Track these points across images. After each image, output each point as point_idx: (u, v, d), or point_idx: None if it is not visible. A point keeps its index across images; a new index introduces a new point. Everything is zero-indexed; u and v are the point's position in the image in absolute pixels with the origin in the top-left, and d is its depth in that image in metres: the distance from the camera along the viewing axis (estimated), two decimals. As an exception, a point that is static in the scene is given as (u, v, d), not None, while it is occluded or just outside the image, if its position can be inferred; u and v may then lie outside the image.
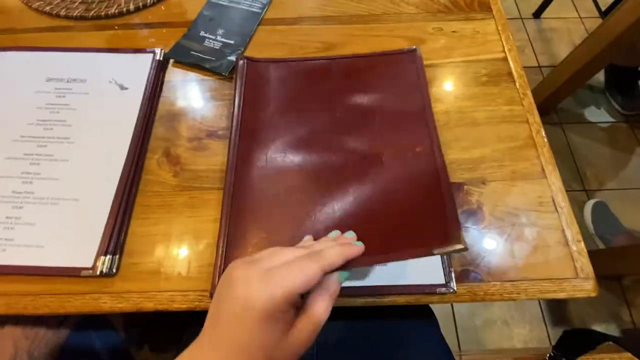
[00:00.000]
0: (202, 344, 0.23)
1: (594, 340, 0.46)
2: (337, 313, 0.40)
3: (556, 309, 0.95)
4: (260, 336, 0.22)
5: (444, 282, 0.33)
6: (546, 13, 1.35)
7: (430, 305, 0.44)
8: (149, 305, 0.32)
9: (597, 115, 1.19)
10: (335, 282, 0.25)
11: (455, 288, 0.32)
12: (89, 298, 0.32)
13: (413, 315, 0.44)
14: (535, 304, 0.96)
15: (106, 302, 0.32)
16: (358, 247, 0.27)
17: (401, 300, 0.32)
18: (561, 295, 0.32)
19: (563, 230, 0.34)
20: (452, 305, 0.98)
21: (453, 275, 0.33)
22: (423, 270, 0.33)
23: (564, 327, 0.91)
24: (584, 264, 0.33)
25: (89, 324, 0.45)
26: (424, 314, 0.45)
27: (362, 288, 0.33)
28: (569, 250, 0.34)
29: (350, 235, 0.30)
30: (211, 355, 0.22)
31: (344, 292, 0.31)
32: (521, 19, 1.37)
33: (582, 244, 0.34)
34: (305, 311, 0.24)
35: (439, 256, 0.33)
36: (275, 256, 0.24)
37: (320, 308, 0.24)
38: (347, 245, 0.27)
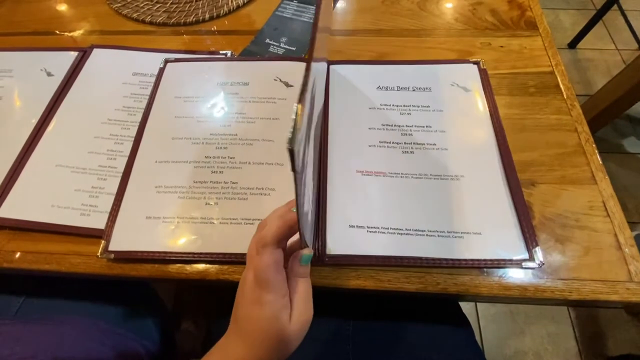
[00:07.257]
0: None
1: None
2: (377, 310, 0.41)
3: (594, 344, 0.90)
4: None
5: (527, 256, 0.33)
6: (582, 44, 1.36)
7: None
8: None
9: (637, 146, 1.17)
10: (299, 266, 0.27)
11: (542, 260, 0.33)
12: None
13: (448, 320, 0.44)
14: (572, 338, 0.91)
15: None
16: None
17: (481, 285, 0.33)
18: (614, 298, 0.32)
19: (615, 234, 0.35)
20: (480, 333, 0.94)
21: (539, 247, 0.33)
22: (501, 243, 0.34)
23: (603, 365, 0.86)
24: (639, 268, 0.33)
25: (141, 298, 0.48)
26: (459, 320, 0.45)
27: (437, 260, 0.33)
28: (622, 253, 0.34)
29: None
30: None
31: (419, 262, 0.33)
32: (557, 48, 1.38)
33: (636, 249, 0.34)
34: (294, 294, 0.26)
35: (518, 229, 0.34)
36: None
37: (301, 286, 0.26)
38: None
